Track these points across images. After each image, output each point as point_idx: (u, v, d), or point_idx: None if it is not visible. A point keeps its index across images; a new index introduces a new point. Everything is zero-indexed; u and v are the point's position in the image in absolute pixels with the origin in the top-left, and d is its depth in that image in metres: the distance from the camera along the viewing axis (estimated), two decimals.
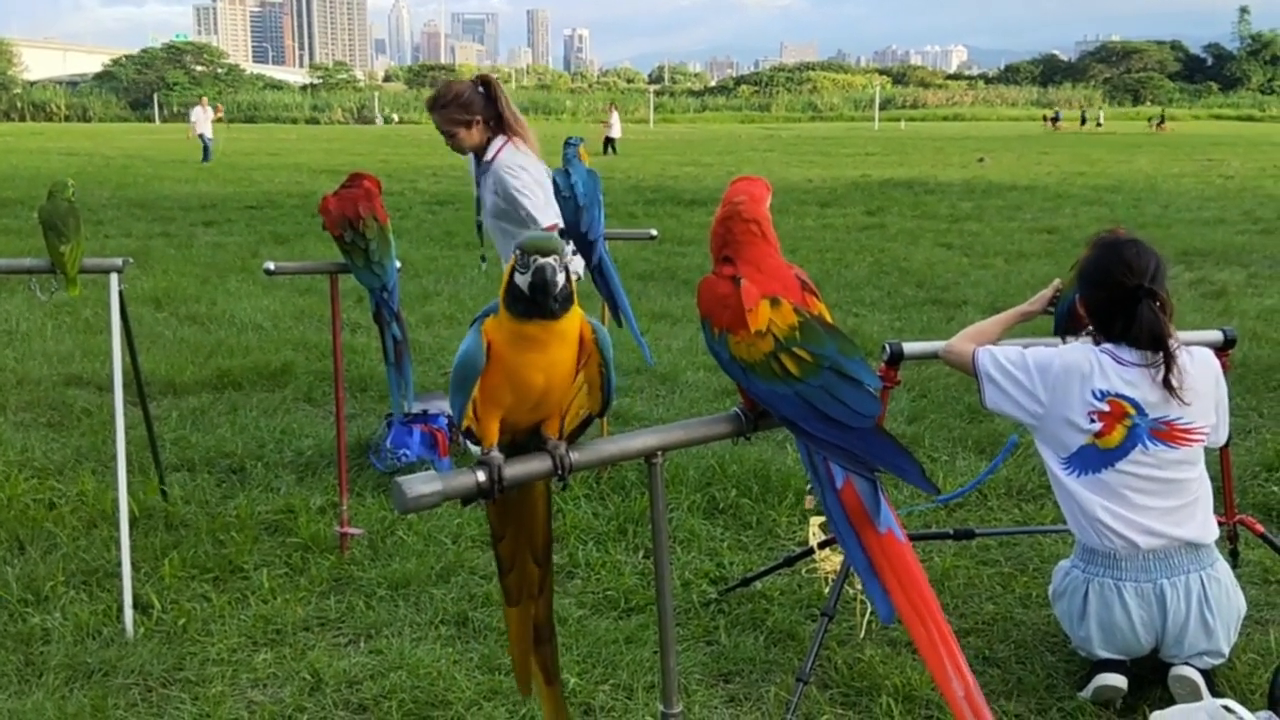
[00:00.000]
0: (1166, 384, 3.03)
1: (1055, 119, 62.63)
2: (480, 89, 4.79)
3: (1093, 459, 3.08)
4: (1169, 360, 3.04)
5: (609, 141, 35.07)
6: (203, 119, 30.26)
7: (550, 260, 1.78)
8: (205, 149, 29.28)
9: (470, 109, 4.76)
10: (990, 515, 4.56)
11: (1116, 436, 3.05)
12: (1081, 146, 36.84)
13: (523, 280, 1.81)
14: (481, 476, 1.81)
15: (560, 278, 1.80)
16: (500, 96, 4.80)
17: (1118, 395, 3.05)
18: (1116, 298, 3.08)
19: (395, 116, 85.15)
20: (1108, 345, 3.10)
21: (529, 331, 1.83)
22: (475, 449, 1.93)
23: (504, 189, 4.72)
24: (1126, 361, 3.06)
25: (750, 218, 2.07)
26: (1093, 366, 3.07)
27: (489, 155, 4.79)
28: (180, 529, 4.33)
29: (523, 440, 1.95)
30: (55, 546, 4.15)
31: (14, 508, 4.48)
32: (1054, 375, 3.10)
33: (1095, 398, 3.05)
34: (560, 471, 1.88)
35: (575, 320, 1.89)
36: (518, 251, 1.82)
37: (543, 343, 1.85)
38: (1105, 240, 3.19)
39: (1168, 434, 3.06)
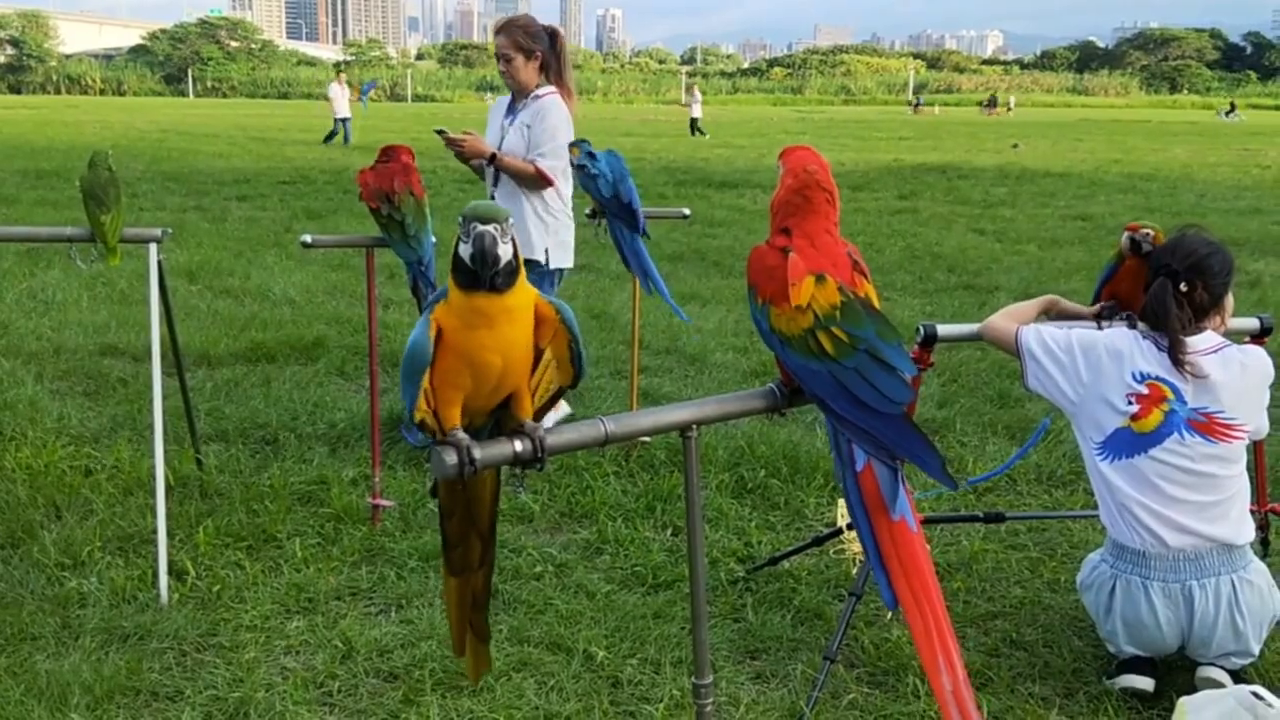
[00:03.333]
0: (1175, 360, 3.02)
1: (916, 104, 63.89)
2: (548, 35, 4.88)
3: (1127, 443, 3.05)
4: (1174, 343, 3.02)
5: (693, 122, 34.48)
6: (340, 98, 26.91)
7: (490, 228, 1.75)
8: (344, 132, 26.57)
9: (536, 41, 4.83)
10: (1020, 500, 4.55)
11: (1152, 421, 3.02)
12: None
13: (464, 249, 1.78)
14: (519, 446, 1.82)
15: (502, 249, 1.77)
16: (564, 52, 4.92)
17: (1157, 379, 3.02)
18: (1152, 278, 3.10)
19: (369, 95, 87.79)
20: (1151, 331, 3.08)
21: (477, 305, 1.80)
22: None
23: (541, 122, 4.77)
24: (1164, 348, 3.04)
25: (828, 187, 2.08)
26: (1134, 349, 3.06)
27: (538, 93, 4.84)
28: (215, 498, 4.38)
29: (480, 425, 1.94)
30: (92, 513, 4.21)
31: (51, 474, 4.55)
32: (1097, 355, 3.08)
33: (1135, 380, 3.03)
34: (539, 454, 1.85)
35: (526, 297, 1.86)
36: (460, 219, 1.79)
37: (492, 318, 1.82)
38: (1179, 229, 3.18)
39: (1207, 426, 3.02)
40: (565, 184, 4.89)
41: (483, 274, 1.78)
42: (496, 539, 2.25)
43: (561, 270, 4.98)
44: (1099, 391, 3.07)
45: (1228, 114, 58.49)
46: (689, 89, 39.57)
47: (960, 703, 1.93)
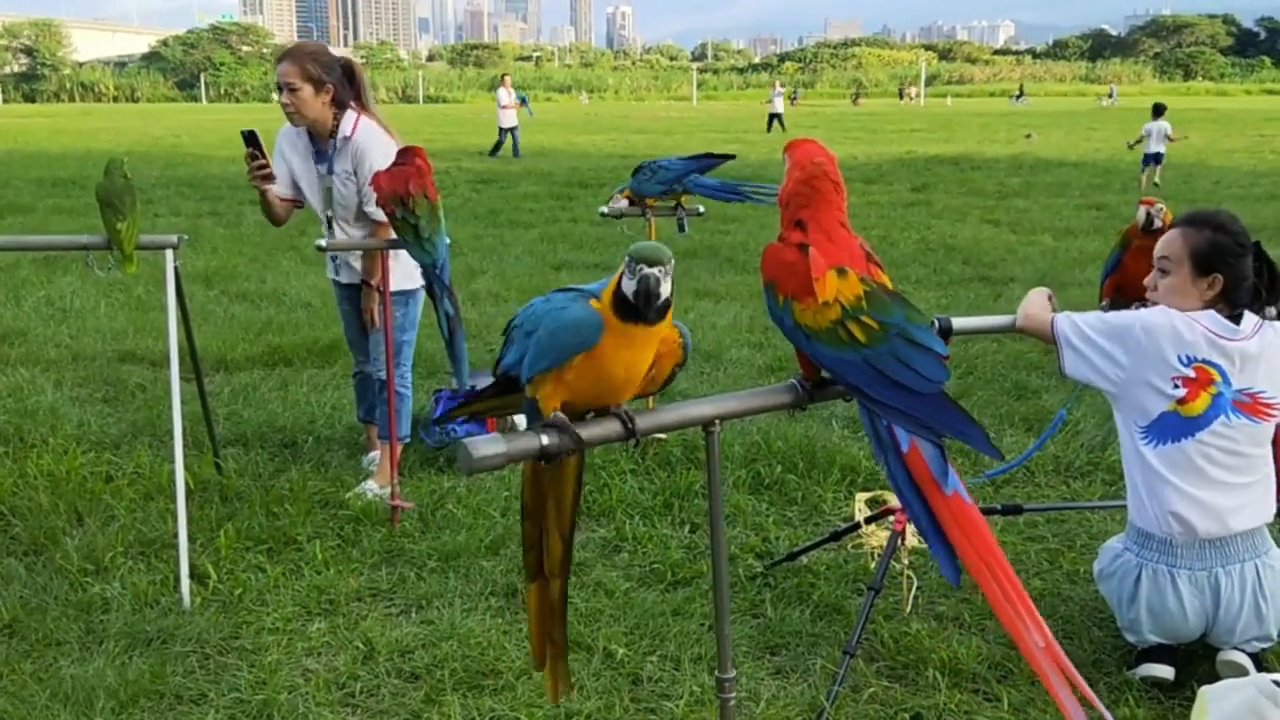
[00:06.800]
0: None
1: (794, 98, 65.77)
2: (339, 64, 4.43)
3: (1173, 427, 3.03)
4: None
5: (774, 118, 34.19)
6: (509, 105, 24.24)
7: (655, 270, 1.86)
8: (513, 142, 24.11)
9: (328, 72, 4.36)
10: (1038, 491, 4.55)
11: (1200, 404, 3.00)
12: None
13: (628, 287, 1.88)
14: (546, 439, 1.85)
15: (664, 288, 1.87)
16: (362, 81, 4.50)
17: (1205, 361, 3.00)
18: (1246, 267, 3.08)
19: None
20: (1195, 314, 3.05)
21: (631, 331, 1.91)
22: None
23: (364, 165, 4.35)
24: (1219, 333, 3.01)
25: (835, 178, 2.09)
26: (1180, 331, 3.01)
27: (345, 132, 4.40)
28: (235, 502, 4.40)
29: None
30: (113, 518, 4.24)
31: (72, 480, 4.57)
32: (1134, 338, 3.04)
33: (1181, 363, 3.00)
34: (633, 432, 1.94)
35: (668, 324, 1.98)
36: (627, 259, 1.88)
37: (638, 343, 1.94)
38: (1225, 215, 3.16)
39: (1251, 407, 3.01)
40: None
41: (645, 311, 1.88)
42: (573, 548, 2.28)
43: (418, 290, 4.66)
44: (1141, 375, 3.04)
45: (1017, 98, 60.63)
46: (772, 84, 39.44)
47: (1055, 657, 1.92)
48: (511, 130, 24.05)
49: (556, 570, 2.20)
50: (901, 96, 71.84)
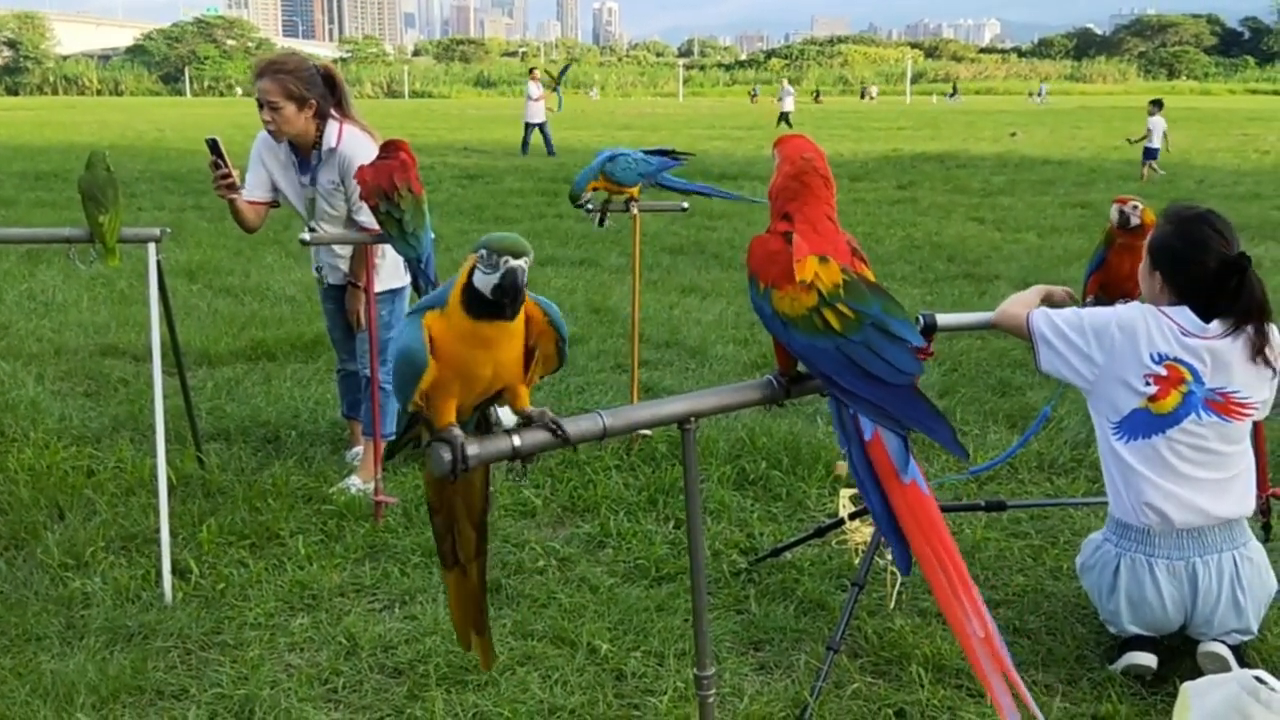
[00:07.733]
0: (1260, 354, 3.00)
1: (754, 95, 66.74)
2: (320, 75, 4.37)
3: (1143, 424, 3.04)
4: (1262, 333, 3.02)
5: (783, 116, 34.09)
6: (538, 98, 23.46)
7: (521, 263, 1.76)
8: (525, 139, 23.48)
9: (310, 87, 4.31)
10: (1021, 488, 4.56)
11: (1171, 402, 3.02)
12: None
13: (486, 281, 1.77)
14: (518, 440, 1.83)
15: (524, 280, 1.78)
16: (343, 88, 4.43)
17: (1176, 360, 3.01)
18: (1211, 272, 3.02)
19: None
20: (1168, 309, 3.07)
21: (481, 331, 1.82)
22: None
23: (353, 174, 4.19)
24: (1189, 330, 3.02)
25: (824, 173, 2.10)
26: (1151, 329, 3.03)
27: (331, 143, 4.35)
28: (217, 496, 4.38)
29: (465, 419, 1.97)
30: (95, 513, 4.21)
31: (53, 475, 4.55)
32: (1110, 335, 3.06)
33: (1153, 361, 3.02)
34: (565, 441, 1.88)
35: (521, 314, 1.88)
36: (483, 251, 1.77)
37: (493, 340, 1.84)
38: (1187, 213, 3.14)
39: (1223, 406, 3.02)
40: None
41: (509, 309, 1.78)
42: (489, 531, 2.26)
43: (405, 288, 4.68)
44: (1114, 372, 3.06)
45: (950, 96, 61.80)
46: (781, 83, 39.43)
47: (992, 650, 1.93)
48: (530, 126, 23.40)
49: (472, 556, 2.19)
50: (863, 96, 72.51)
